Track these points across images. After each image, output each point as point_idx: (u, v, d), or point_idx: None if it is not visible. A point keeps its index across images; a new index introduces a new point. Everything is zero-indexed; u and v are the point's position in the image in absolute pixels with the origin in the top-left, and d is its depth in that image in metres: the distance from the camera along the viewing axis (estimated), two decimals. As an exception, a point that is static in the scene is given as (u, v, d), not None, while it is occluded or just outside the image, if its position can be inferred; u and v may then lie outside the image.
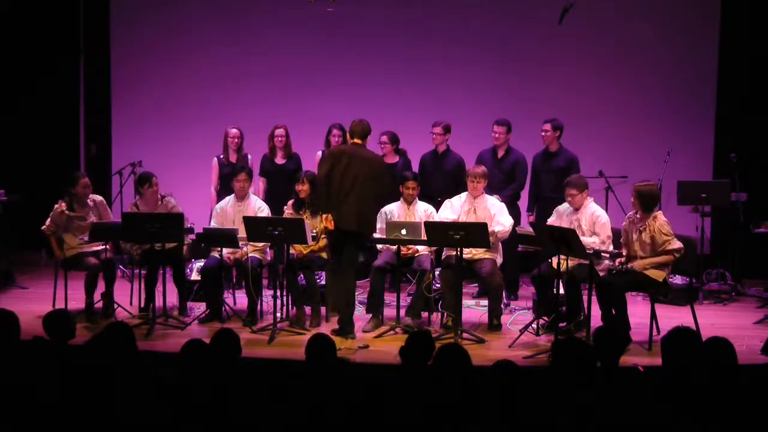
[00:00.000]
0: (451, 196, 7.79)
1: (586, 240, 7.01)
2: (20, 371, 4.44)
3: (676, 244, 6.83)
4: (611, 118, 9.74)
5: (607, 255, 7.15)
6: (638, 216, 6.96)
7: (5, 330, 4.83)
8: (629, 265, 6.93)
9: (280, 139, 8.78)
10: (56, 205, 7.76)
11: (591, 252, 6.85)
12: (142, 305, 7.72)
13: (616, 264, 7.00)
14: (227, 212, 7.92)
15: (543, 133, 8.44)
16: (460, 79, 9.92)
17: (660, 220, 6.88)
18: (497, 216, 7.52)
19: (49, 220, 7.74)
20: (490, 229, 7.16)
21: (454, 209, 7.65)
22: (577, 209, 7.34)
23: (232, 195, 7.96)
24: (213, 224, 7.92)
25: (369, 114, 9.56)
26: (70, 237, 7.73)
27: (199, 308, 7.85)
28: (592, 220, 7.26)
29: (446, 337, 6.99)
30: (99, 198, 8.01)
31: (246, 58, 10.16)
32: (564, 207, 7.47)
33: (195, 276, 8.09)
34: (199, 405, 4.09)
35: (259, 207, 7.90)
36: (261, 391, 4.24)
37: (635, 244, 6.94)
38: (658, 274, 6.90)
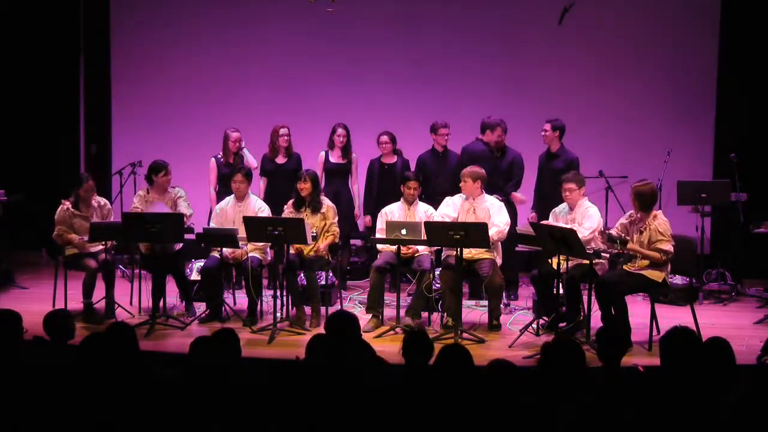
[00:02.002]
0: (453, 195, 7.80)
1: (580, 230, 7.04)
2: (22, 371, 4.44)
3: (667, 246, 6.81)
4: (611, 118, 9.73)
5: (608, 255, 7.15)
6: (639, 216, 6.96)
7: (8, 330, 4.83)
8: (626, 266, 6.96)
9: (285, 138, 8.77)
10: (61, 205, 7.75)
11: (591, 252, 6.86)
12: (147, 307, 7.69)
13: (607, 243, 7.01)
14: (227, 213, 7.92)
15: (543, 133, 8.45)
16: (460, 78, 9.92)
17: (659, 219, 6.89)
18: (493, 217, 7.52)
19: (58, 224, 7.71)
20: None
21: (454, 207, 7.64)
22: (572, 208, 7.35)
23: (232, 195, 7.95)
24: (212, 225, 7.92)
25: (368, 113, 9.67)
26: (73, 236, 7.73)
27: (199, 308, 7.85)
28: (582, 214, 7.27)
29: (446, 337, 6.99)
30: (104, 201, 8.02)
31: (246, 57, 10.17)
32: (560, 208, 7.48)
33: (195, 276, 8.09)
34: (200, 403, 4.09)
35: (259, 207, 7.89)
36: (261, 391, 4.24)
37: (635, 244, 6.94)
38: (657, 275, 6.91)
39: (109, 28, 10.45)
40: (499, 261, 7.55)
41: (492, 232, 7.31)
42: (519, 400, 4.00)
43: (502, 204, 7.71)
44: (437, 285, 7.54)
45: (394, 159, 8.82)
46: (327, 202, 7.81)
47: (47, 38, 10.39)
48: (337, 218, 7.80)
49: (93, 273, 7.61)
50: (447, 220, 7.55)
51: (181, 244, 7.77)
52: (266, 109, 9.79)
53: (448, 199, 7.76)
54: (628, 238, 6.92)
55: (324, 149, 8.86)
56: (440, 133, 8.63)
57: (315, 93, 10.03)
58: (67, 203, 7.74)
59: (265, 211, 7.87)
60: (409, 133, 9.10)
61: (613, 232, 6.99)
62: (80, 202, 7.77)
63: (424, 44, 9.97)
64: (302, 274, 7.65)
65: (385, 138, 8.75)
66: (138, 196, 8.00)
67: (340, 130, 8.74)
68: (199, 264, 8.09)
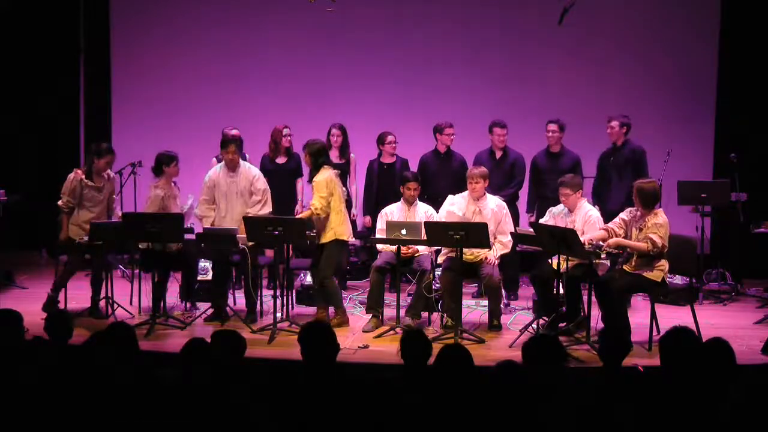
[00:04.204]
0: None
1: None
2: (23, 371, 4.44)
3: (656, 239, 6.76)
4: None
5: (605, 255, 7.14)
6: (639, 213, 6.96)
7: (9, 329, 4.83)
8: (626, 266, 6.98)
9: (288, 138, 8.76)
10: (72, 175, 7.64)
11: (591, 252, 6.85)
12: (147, 307, 7.66)
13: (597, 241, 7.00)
14: (219, 185, 7.78)
15: (550, 134, 8.46)
16: (459, 79, 9.93)
17: (659, 216, 6.87)
18: (499, 234, 7.52)
19: (66, 194, 7.60)
20: (491, 256, 7.35)
21: (459, 207, 7.61)
22: (571, 210, 7.35)
23: (221, 164, 7.84)
24: (203, 197, 7.80)
25: (368, 114, 9.67)
26: (84, 213, 7.63)
27: (200, 308, 7.86)
28: (584, 219, 7.28)
29: (446, 337, 6.99)
30: (113, 174, 7.97)
31: (246, 58, 10.18)
32: (558, 209, 7.48)
33: (200, 276, 8.11)
34: (199, 405, 4.09)
35: (254, 176, 7.78)
36: (261, 391, 4.24)
37: (632, 240, 6.95)
38: (655, 275, 6.90)
39: (109, 28, 10.46)
40: (492, 253, 7.49)
41: (498, 252, 7.42)
42: (521, 400, 4.01)
43: (508, 211, 7.70)
44: (437, 285, 7.55)
45: (393, 159, 8.82)
46: (324, 175, 7.45)
47: (47, 38, 10.40)
48: (319, 194, 7.41)
49: (70, 270, 7.60)
50: (454, 219, 7.50)
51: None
52: (266, 108, 9.80)
53: (451, 198, 7.73)
54: (600, 243, 6.90)
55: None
56: (446, 133, 8.62)
57: (315, 93, 10.03)
58: (80, 172, 7.64)
59: (260, 180, 7.78)
60: (409, 134, 9.10)
61: (586, 242, 6.94)
62: (93, 173, 7.69)
63: (424, 44, 9.97)
64: (304, 274, 7.65)
65: (392, 138, 8.75)
66: (156, 197, 7.72)
67: (334, 131, 8.73)
68: (203, 264, 8.11)
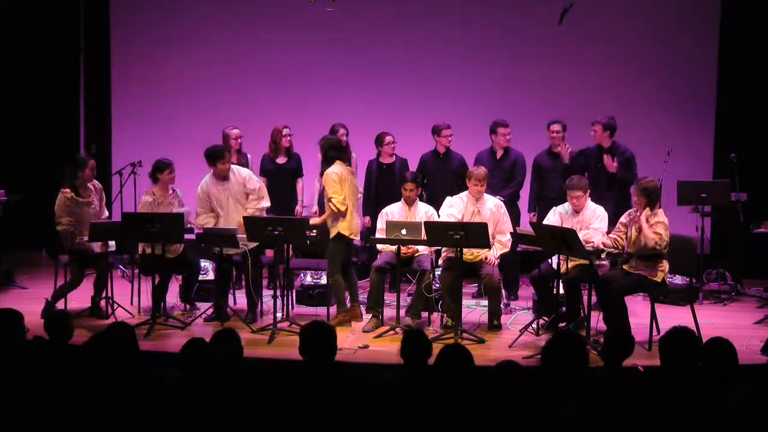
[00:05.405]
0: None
1: (591, 233, 7.08)
2: (23, 370, 4.44)
3: (663, 234, 6.77)
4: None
5: (604, 255, 7.15)
6: (639, 214, 6.96)
7: (10, 329, 4.83)
8: (626, 266, 6.98)
9: (288, 138, 8.76)
10: (59, 196, 7.58)
11: (591, 251, 6.85)
12: (147, 307, 7.65)
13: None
14: (212, 193, 7.72)
15: (554, 134, 8.47)
16: (459, 79, 9.94)
17: (660, 216, 6.87)
18: (498, 234, 7.52)
19: (65, 216, 7.55)
20: (491, 256, 7.35)
21: (458, 208, 7.61)
22: (578, 211, 7.35)
23: (209, 174, 7.74)
24: (198, 208, 7.74)
25: (369, 114, 9.67)
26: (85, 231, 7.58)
27: (200, 308, 7.85)
28: (593, 215, 7.29)
29: (446, 337, 6.99)
30: (98, 184, 7.93)
31: (246, 57, 10.18)
32: (564, 209, 7.46)
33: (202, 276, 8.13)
34: (199, 405, 4.09)
35: (245, 177, 7.74)
36: (261, 391, 4.24)
37: (632, 243, 6.94)
38: (655, 275, 6.91)
39: (109, 28, 10.47)
40: (491, 253, 7.50)
41: (497, 252, 7.43)
42: (522, 400, 4.00)
43: (506, 211, 7.69)
44: (437, 285, 7.55)
45: (392, 159, 8.82)
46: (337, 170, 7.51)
47: (47, 38, 10.40)
48: (332, 189, 7.46)
49: (73, 284, 7.58)
50: (453, 220, 7.51)
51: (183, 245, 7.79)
52: (266, 108, 9.80)
53: (449, 200, 7.73)
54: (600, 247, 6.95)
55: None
56: (444, 135, 8.62)
57: (314, 93, 10.04)
58: (68, 191, 7.60)
59: (251, 179, 7.75)
60: (409, 134, 9.10)
61: (588, 246, 6.95)
62: (80, 187, 7.65)
63: (424, 44, 9.98)
64: (304, 274, 7.63)
65: (390, 138, 8.75)
66: (145, 203, 7.73)
67: (341, 130, 8.73)
68: (203, 264, 8.11)
